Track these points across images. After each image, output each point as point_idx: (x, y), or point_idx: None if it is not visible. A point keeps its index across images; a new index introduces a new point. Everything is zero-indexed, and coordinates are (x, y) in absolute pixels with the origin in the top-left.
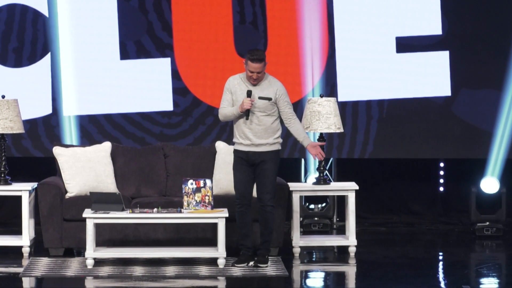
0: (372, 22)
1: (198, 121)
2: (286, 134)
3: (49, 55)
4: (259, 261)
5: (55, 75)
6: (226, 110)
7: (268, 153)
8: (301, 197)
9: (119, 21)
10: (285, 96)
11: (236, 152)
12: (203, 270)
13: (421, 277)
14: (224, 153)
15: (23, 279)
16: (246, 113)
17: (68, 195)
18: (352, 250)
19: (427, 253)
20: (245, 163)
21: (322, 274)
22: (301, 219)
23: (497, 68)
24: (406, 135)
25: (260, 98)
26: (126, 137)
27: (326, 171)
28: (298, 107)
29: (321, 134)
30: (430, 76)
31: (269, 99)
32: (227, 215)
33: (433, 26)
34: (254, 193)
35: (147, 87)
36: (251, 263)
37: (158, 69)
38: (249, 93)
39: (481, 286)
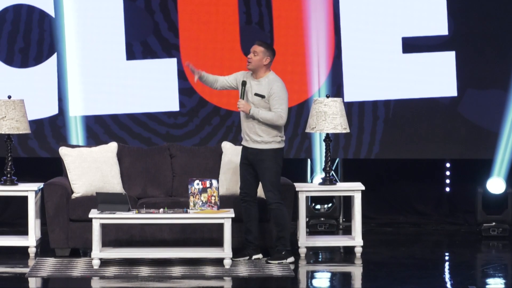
0: (378, 23)
1: (204, 122)
2: (292, 135)
3: (55, 55)
4: (274, 257)
5: (61, 75)
6: (218, 77)
7: (265, 151)
8: (307, 197)
9: (125, 21)
10: (277, 97)
11: (242, 148)
12: (209, 270)
13: (427, 277)
14: (230, 153)
15: (29, 279)
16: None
17: (74, 195)
18: (358, 250)
19: (433, 254)
20: (246, 160)
21: (328, 275)
22: (307, 219)
23: (503, 68)
24: (412, 136)
25: (255, 94)
26: (132, 138)
27: (332, 172)
28: (304, 107)
29: (327, 134)
30: (436, 77)
31: (263, 96)
32: (233, 215)
33: (439, 26)
34: (259, 191)
35: (153, 87)
36: (254, 257)
37: (164, 70)
38: (244, 83)
39: (487, 286)
